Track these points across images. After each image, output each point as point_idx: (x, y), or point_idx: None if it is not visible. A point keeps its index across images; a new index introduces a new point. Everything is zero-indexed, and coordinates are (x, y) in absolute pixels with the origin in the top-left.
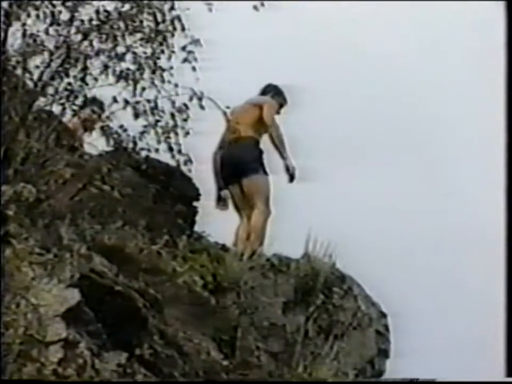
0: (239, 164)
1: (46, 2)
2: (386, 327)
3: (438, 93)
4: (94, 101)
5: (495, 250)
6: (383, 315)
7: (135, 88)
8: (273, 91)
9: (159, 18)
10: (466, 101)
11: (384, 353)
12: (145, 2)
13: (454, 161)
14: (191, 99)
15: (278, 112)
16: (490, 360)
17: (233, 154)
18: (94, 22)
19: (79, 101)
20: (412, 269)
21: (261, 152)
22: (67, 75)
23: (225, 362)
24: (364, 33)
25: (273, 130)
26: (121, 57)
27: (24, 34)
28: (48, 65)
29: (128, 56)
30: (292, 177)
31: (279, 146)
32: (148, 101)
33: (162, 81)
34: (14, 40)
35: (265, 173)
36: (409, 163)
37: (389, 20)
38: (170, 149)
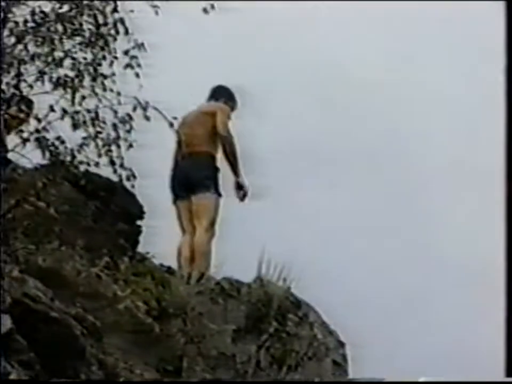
0: (191, 180)
1: None
2: (344, 357)
3: (432, 96)
4: (21, 98)
5: (494, 251)
6: (341, 344)
7: (73, 97)
8: (225, 95)
9: (101, 20)
10: (464, 103)
11: None
12: (85, 3)
13: (420, 177)
14: (135, 109)
15: (229, 118)
16: (490, 360)
17: (185, 170)
18: (29, 24)
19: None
20: (373, 292)
21: (216, 169)
22: None
23: None
24: (329, 33)
25: (226, 142)
26: (58, 63)
27: None
28: None
29: (67, 62)
30: (244, 196)
31: (231, 159)
32: (88, 110)
33: (104, 89)
34: None
35: (217, 192)
36: (371, 180)
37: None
38: (112, 163)
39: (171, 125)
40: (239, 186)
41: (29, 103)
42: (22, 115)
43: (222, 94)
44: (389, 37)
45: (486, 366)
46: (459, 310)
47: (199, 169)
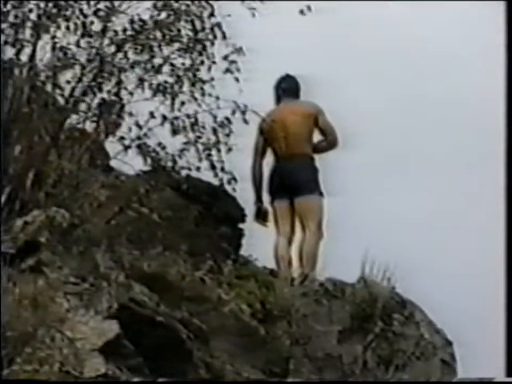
0: (295, 182)
1: (77, 13)
2: (452, 356)
3: (436, 91)
4: (112, 104)
5: (493, 251)
6: (449, 343)
7: (173, 103)
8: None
9: (198, 26)
10: (464, 101)
11: None
12: (182, 9)
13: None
14: (233, 113)
15: None
16: (490, 360)
17: (288, 171)
18: (129, 32)
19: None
20: (477, 290)
21: (317, 170)
22: (100, 90)
23: None
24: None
25: (333, 148)
26: (158, 69)
27: (54, 48)
28: (80, 80)
29: (166, 68)
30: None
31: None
32: (188, 115)
33: (203, 94)
34: (44, 54)
35: (321, 194)
36: (467, 175)
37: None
38: (213, 167)
39: (263, 120)
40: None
41: (121, 108)
42: (118, 120)
43: (299, 89)
44: (388, 36)
45: (486, 366)
46: (459, 310)
47: (302, 171)
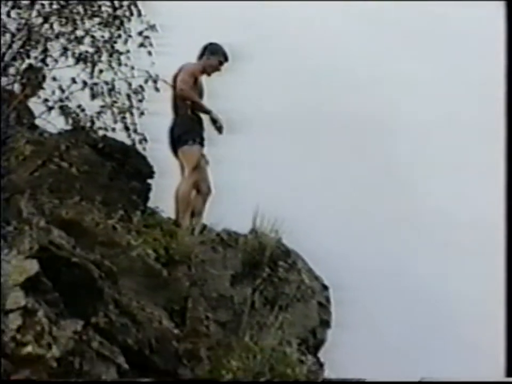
0: (174, 139)
1: None
2: (327, 299)
3: (436, 91)
4: (32, 68)
5: (494, 250)
6: (325, 287)
7: (93, 70)
8: (208, 51)
9: (116, 4)
10: (465, 100)
11: (325, 324)
12: None
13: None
14: (146, 81)
15: (217, 69)
16: (490, 360)
17: (170, 131)
18: (54, 6)
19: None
20: (353, 242)
21: (192, 120)
22: (28, 56)
23: (176, 331)
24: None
25: (183, 96)
26: (80, 40)
27: None
28: (10, 47)
29: (87, 40)
30: (220, 129)
31: (196, 107)
32: (105, 82)
33: (119, 64)
34: None
35: (196, 142)
36: (361, 144)
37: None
38: (126, 128)
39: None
40: (213, 121)
41: (42, 73)
42: (35, 83)
43: (204, 52)
44: (388, 34)
45: (486, 366)
46: (459, 311)
47: (177, 126)
